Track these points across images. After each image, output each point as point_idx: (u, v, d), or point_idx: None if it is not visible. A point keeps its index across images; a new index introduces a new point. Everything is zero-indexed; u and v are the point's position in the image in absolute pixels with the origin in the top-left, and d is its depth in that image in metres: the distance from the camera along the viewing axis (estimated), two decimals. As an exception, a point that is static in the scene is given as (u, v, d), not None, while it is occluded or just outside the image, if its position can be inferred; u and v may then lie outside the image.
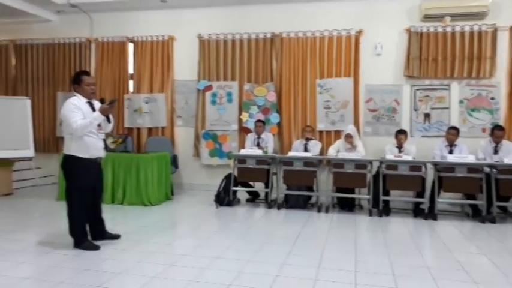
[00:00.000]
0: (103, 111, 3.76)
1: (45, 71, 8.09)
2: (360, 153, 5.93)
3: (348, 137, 6.07)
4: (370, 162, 5.68)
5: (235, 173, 6.14)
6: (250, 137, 6.69)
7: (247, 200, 6.49)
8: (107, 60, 7.80)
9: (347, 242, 4.28)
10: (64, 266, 3.43)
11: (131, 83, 7.75)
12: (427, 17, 6.56)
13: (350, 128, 6.18)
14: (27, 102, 7.08)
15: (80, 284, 3.03)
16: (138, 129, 7.65)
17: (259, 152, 6.13)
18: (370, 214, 5.58)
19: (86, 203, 3.85)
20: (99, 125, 3.82)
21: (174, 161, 7.08)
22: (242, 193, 6.54)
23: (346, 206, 5.93)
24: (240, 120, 7.26)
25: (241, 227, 4.93)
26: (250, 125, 7.03)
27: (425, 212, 5.47)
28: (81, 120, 3.67)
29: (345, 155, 5.83)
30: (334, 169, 5.72)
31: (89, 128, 3.72)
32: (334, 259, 3.70)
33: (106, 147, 4.03)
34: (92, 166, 3.87)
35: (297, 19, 7.05)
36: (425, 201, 5.51)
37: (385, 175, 5.54)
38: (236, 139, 7.26)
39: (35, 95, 8.03)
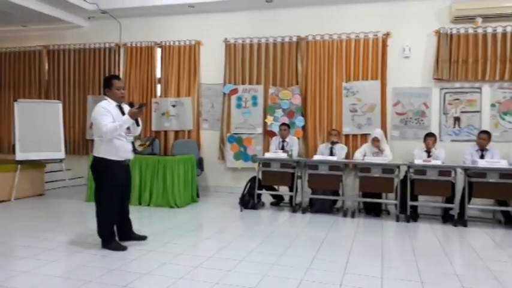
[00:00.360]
0: (132, 115, 3.83)
1: (76, 76, 8.33)
2: (387, 157, 5.83)
3: (375, 140, 5.98)
4: (398, 166, 5.58)
5: (260, 176, 6.15)
6: (275, 141, 6.68)
7: (272, 204, 6.48)
8: (135, 64, 7.97)
9: (373, 248, 4.21)
10: (92, 265, 3.51)
11: (159, 87, 7.89)
12: (458, 19, 6.40)
13: (377, 132, 6.09)
14: (59, 105, 7.30)
15: (107, 283, 3.10)
16: (165, 132, 7.77)
17: (283, 156, 6.11)
18: (398, 220, 5.48)
19: (114, 204, 3.93)
20: (128, 128, 3.90)
21: (200, 164, 7.15)
22: (266, 196, 6.54)
23: (373, 211, 5.83)
24: (264, 124, 7.27)
25: (265, 230, 4.93)
26: (275, 128, 7.03)
27: (455, 219, 5.32)
28: (111, 124, 3.75)
29: (371, 159, 5.75)
30: (360, 173, 5.64)
31: (119, 131, 3.80)
32: (360, 265, 3.65)
33: (134, 150, 4.10)
34: (121, 168, 3.95)
35: (323, 22, 7.01)
36: (455, 207, 5.36)
37: (413, 180, 5.43)
38: (261, 142, 7.28)
39: (66, 99, 8.28)
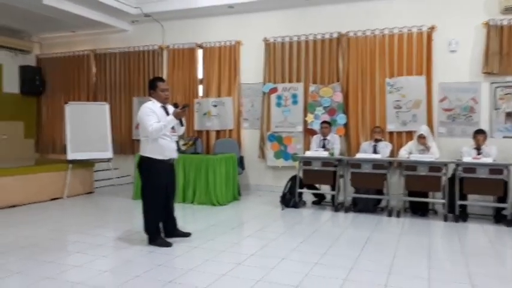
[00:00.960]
0: (176, 115, 3.93)
1: (122, 78, 8.63)
2: (434, 155, 5.62)
3: (421, 137, 5.78)
4: (445, 164, 5.36)
5: (301, 175, 6.11)
6: (316, 139, 6.62)
7: (313, 203, 6.42)
8: (177, 66, 8.14)
9: (420, 248, 4.08)
10: (139, 261, 3.63)
11: (200, 87, 8.02)
12: (508, 9, 6.05)
13: (423, 129, 5.88)
14: (106, 107, 7.60)
15: (153, 278, 3.19)
16: (207, 131, 7.89)
17: (325, 154, 6.04)
18: (446, 219, 5.27)
19: (159, 201, 4.04)
20: (172, 128, 4.00)
21: (241, 163, 7.21)
22: (308, 195, 6.49)
23: (419, 210, 5.65)
24: (305, 122, 7.21)
25: (307, 229, 4.89)
26: (316, 126, 6.96)
27: (508, 219, 5.05)
28: (156, 124, 3.86)
29: (417, 156, 5.56)
30: (406, 172, 5.48)
31: (163, 131, 3.90)
32: (406, 265, 3.54)
33: (178, 149, 4.20)
34: (166, 167, 4.06)
35: (365, 17, 6.86)
36: (508, 206, 5.09)
37: (462, 178, 5.20)
38: (301, 141, 7.23)
39: (113, 101, 8.59)
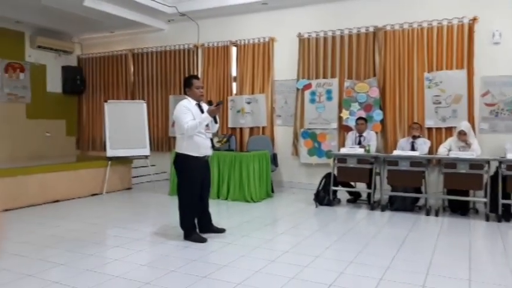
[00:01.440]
0: (211, 113, 4.00)
1: (159, 76, 8.82)
2: (475, 152, 5.40)
3: (462, 134, 5.57)
4: (488, 162, 5.15)
5: (335, 172, 6.03)
6: (351, 136, 6.51)
7: (348, 201, 6.33)
8: (212, 64, 8.23)
9: (460, 249, 3.94)
10: (175, 255, 3.71)
11: (234, 85, 8.07)
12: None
13: (464, 125, 5.66)
14: (143, 105, 7.79)
15: (188, 273, 3.25)
16: (241, 129, 7.94)
17: (360, 151, 5.93)
18: (487, 219, 5.06)
19: (194, 198, 4.12)
20: (207, 126, 4.07)
21: (274, 160, 7.20)
22: (342, 193, 6.40)
23: (459, 209, 5.45)
24: (339, 118, 7.11)
25: (342, 227, 4.83)
26: (351, 122, 6.84)
27: (557, 220, 4.79)
28: (192, 121, 3.94)
29: (457, 154, 5.36)
30: (445, 169, 5.30)
31: (198, 128, 3.98)
32: (445, 266, 3.43)
33: (213, 146, 4.27)
34: (201, 163, 4.13)
35: (402, 10, 6.67)
36: (556, 207, 4.83)
37: (506, 176, 4.98)
38: (336, 138, 7.13)
39: (150, 99, 8.79)
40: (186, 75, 8.32)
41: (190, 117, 3.97)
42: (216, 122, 4.19)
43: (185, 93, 4.18)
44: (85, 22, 8.08)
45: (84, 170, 6.83)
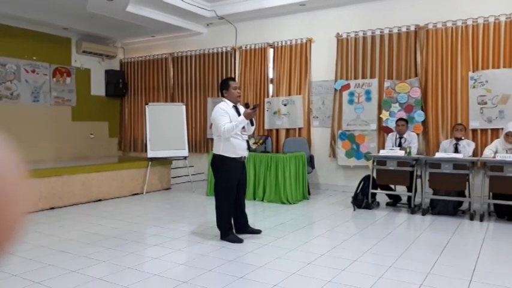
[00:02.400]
0: (247, 116, 4.05)
1: (197, 79, 8.97)
2: (524, 154, 5.13)
3: (510, 135, 5.29)
4: (538, 165, 4.87)
5: (374, 175, 5.90)
6: (391, 137, 6.34)
7: (387, 204, 6.17)
8: (249, 66, 8.28)
9: (507, 255, 3.76)
10: (212, 255, 3.75)
11: (271, 86, 8.08)
12: None
13: (511, 126, 5.39)
14: (183, 108, 7.95)
15: (225, 273, 3.28)
16: (277, 130, 7.93)
17: (401, 153, 5.77)
18: (538, 226, 4.79)
19: (231, 198, 4.16)
20: (243, 128, 4.11)
21: (311, 161, 7.14)
22: (382, 196, 6.25)
23: (506, 214, 5.18)
24: (379, 119, 6.95)
25: (380, 231, 4.72)
26: (391, 124, 6.67)
27: None
28: (228, 124, 4.00)
29: (505, 156, 5.10)
30: (491, 172, 5.06)
31: (235, 131, 4.03)
32: (491, 273, 3.28)
33: (249, 148, 4.30)
34: (238, 165, 4.18)
35: (445, 8, 6.44)
36: None
37: (559, 181, 4.69)
38: (375, 139, 6.98)
39: (189, 101, 8.97)
40: (224, 77, 8.44)
41: (227, 119, 4.03)
42: (252, 124, 4.23)
43: (222, 96, 4.24)
44: (127, 27, 8.37)
45: (125, 171, 7.05)
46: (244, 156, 4.24)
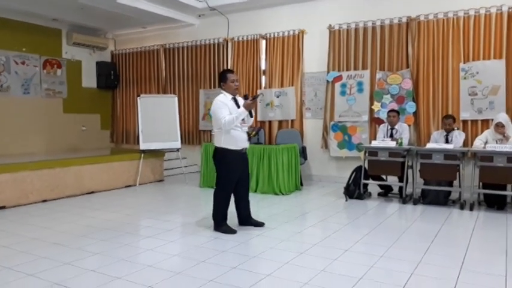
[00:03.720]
0: (247, 107, 4.07)
1: (189, 71, 8.92)
2: (513, 145, 5.20)
3: (500, 126, 5.35)
4: (527, 155, 4.94)
5: (366, 165, 5.95)
6: (383, 128, 6.38)
7: (379, 194, 6.23)
8: (242, 57, 8.25)
9: (496, 244, 3.82)
10: (205, 246, 3.77)
11: (263, 78, 8.07)
12: None
13: (501, 116, 5.44)
14: (175, 99, 7.91)
15: (218, 263, 3.30)
16: (270, 122, 7.94)
17: (392, 144, 5.82)
18: (526, 215, 4.88)
19: (230, 190, 4.20)
20: (243, 119, 4.13)
21: (303, 153, 7.17)
22: (373, 187, 6.31)
23: (495, 204, 5.27)
24: (371, 111, 6.99)
25: (372, 221, 4.77)
26: (383, 115, 6.72)
27: None
28: (228, 116, 4.02)
29: (494, 146, 5.17)
30: (481, 163, 5.13)
31: (235, 123, 4.05)
32: (480, 261, 3.34)
33: (249, 139, 4.31)
34: (239, 156, 4.21)
35: (436, 0, 6.46)
36: None
37: (547, 170, 4.77)
38: (367, 130, 7.02)
39: (181, 93, 8.92)
40: (216, 69, 8.43)
41: (226, 112, 4.04)
42: (251, 116, 4.25)
43: (221, 88, 4.26)
44: (118, 18, 8.28)
45: (118, 163, 7.03)
46: (246, 148, 4.26)
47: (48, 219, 4.87)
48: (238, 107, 4.13)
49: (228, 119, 4.01)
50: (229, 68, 8.28)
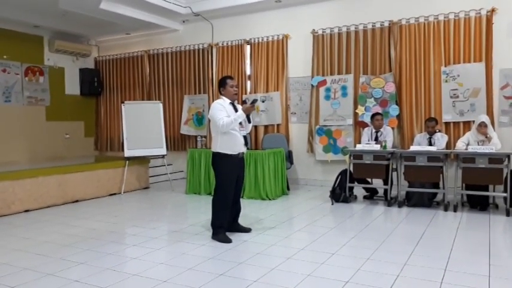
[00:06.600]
0: (246, 110, 4.08)
1: (174, 77, 8.88)
2: (495, 145, 5.29)
3: (482, 126, 5.43)
4: (508, 156, 5.05)
5: (351, 169, 5.99)
6: (367, 131, 6.44)
7: (365, 197, 6.28)
8: (226, 63, 8.25)
9: (479, 244, 3.88)
10: (191, 253, 3.74)
11: (248, 83, 8.08)
12: None
13: (484, 117, 5.54)
14: (159, 105, 7.86)
15: (205, 271, 3.28)
16: (255, 127, 7.94)
17: (376, 147, 5.88)
18: (508, 214, 4.97)
19: (229, 196, 4.15)
20: (240, 124, 4.13)
21: (289, 157, 7.20)
22: (359, 190, 6.36)
23: (478, 204, 5.36)
24: (355, 114, 7.06)
25: (358, 224, 4.81)
26: (367, 118, 6.79)
27: None
28: (226, 118, 4.02)
29: (476, 148, 5.26)
30: (463, 164, 5.22)
31: (233, 125, 4.05)
32: (464, 262, 3.39)
33: (246, 143, 4.30)
34: (236, 161, 4.19)
35: (417, 4, 6.57)
36: None
37: (527, 171, 4.87)
38: (351, 134, 7.08)
39: (166, 99, 8.87)
40: (201, 75, 8.44)
41: (224, 114, 4.04)
42: (249, 121, 4.25)
43: (220, 93, 4.27)
44: (101, 25, 8.22)
45: (102, 171, 6.94)
46: (243, 152, 4.25)
47: (31, 229, 4.78)
48: (237, 111, 4.13)
49: (226, 120, 4.00)
50: (214, 73, 8.28)
